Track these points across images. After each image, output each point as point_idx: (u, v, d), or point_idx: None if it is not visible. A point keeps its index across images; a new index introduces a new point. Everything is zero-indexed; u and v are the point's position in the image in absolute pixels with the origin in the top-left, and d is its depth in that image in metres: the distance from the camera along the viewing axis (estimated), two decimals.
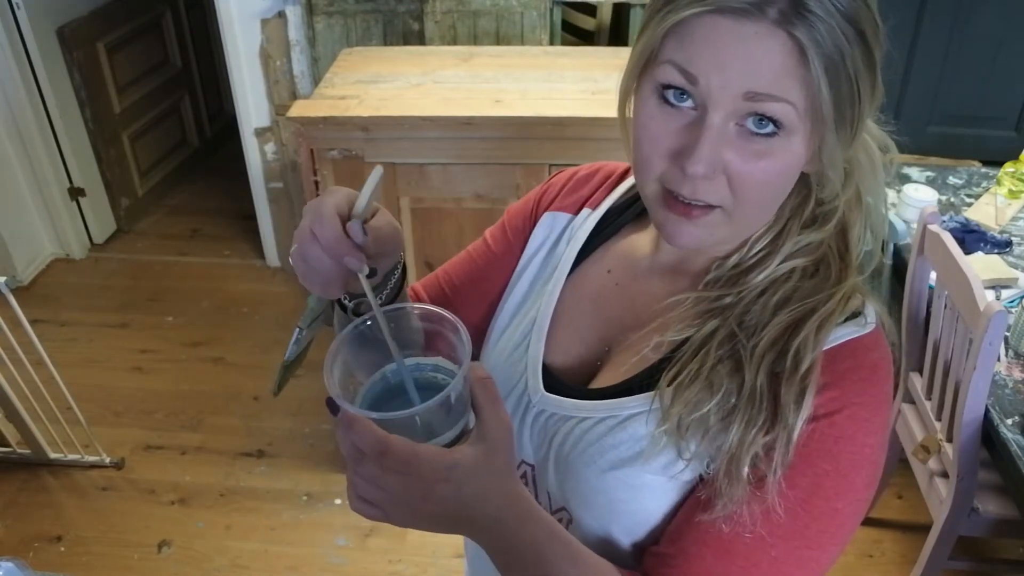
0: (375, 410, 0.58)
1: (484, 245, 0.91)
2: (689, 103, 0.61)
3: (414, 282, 0.95)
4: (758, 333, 0.66)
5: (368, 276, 0.63)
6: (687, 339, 0.69)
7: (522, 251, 0.87)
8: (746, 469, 0.63)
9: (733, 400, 0.65)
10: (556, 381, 0.78)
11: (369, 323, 0.63)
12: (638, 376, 0.71)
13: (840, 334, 0.66)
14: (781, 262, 0.69)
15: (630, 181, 0.84)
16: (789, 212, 0.70)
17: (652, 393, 0.68)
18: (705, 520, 0.65)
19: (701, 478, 0.67)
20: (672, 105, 0.62)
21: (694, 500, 0.67)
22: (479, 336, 0.90)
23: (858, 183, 0.69)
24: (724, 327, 0.68)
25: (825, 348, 0.65)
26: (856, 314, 0.67)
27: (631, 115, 0.67)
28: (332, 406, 0.58)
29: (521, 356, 0.81)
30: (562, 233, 0.85)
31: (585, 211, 0.84)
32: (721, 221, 0.65)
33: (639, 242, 0.81)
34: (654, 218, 0.68)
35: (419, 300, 0.92)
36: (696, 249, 0.72)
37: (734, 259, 0.71)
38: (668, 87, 0.61)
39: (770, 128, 0.60)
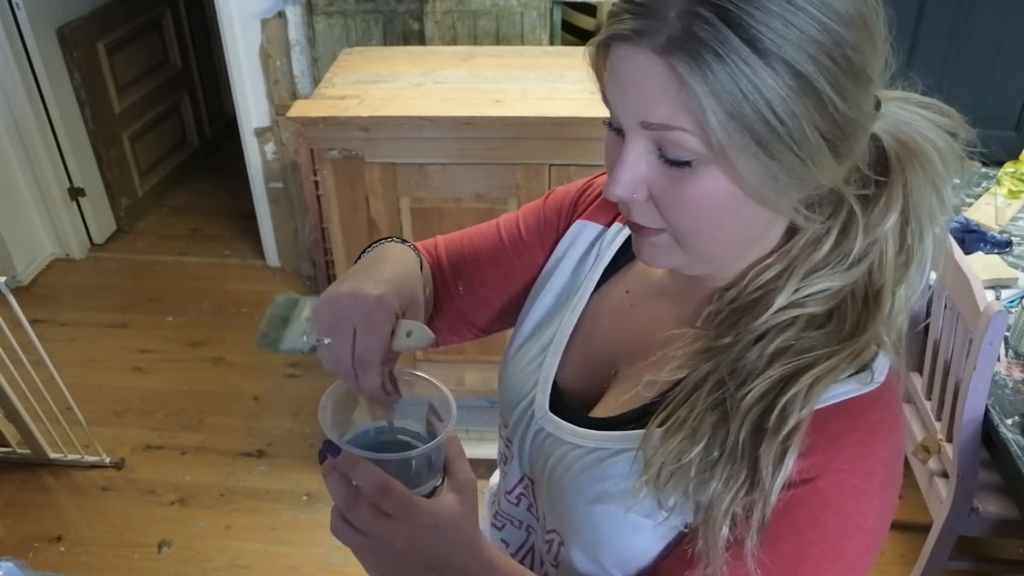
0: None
1: (516, 228, 0.89)
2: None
3: (438, 237, 0.95)
4: (748, 383, 0.61)
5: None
6: (682, 379, 0.65)
7: (552, 249, 0.86)
8: (724, 529, 0.60)
9: (715, 454, 0.61)
10: (562, 401, 0.77)
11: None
12: (632, 412, 0.69)
13: (838, 392, 0.61)
14: (784, 307, 0.63)
15: None
16: (797, 251, 0.64)
17: (641, 432, 0.65)
18: None
19: (688, 527, 0.64)
20: (615, 130, 0.61)
21: (680, 553, 0.64)
22: (491, 311, 0.89)
23: (911, 208, 0.61)
24: (717, 372, 0.63)
25: (819, 407, 0.60)
26: (862, 368, 0.62)
27: None
28: (325, 453, 0.62)
29: (535, 370, 0.80)
30: (592, 245, 0.83)
31: (617, 226, 0.82)
32: (671, 244, 0.63)
33: None
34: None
35: (438, 263, 0.91)
36: (663, 267, 0.70)
37: (732, 293, 0.67)
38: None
39: (679, 155, 0.57)
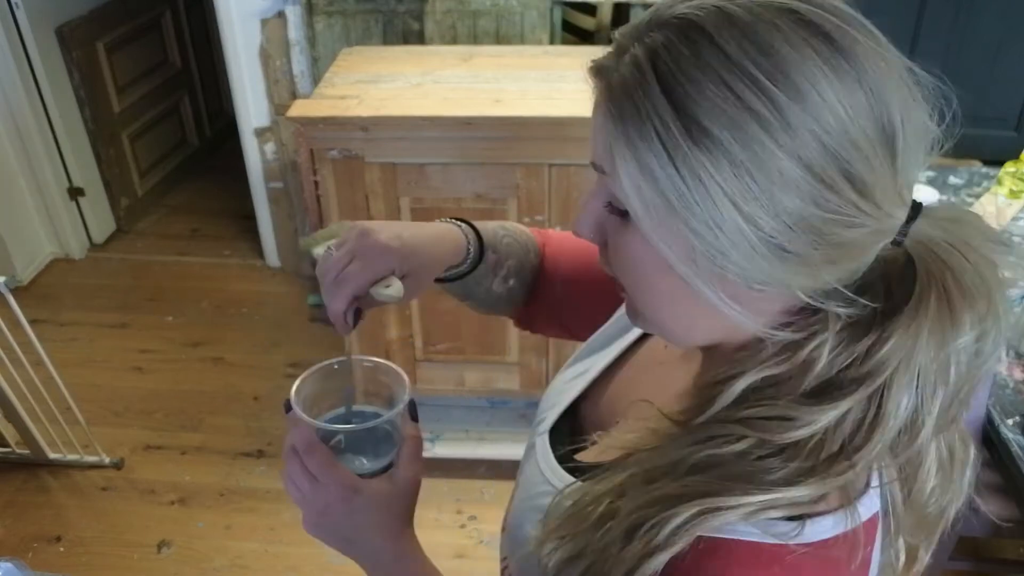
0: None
1: None
2: None
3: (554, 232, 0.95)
4: (654, 484, 0.53)
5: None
6: (626, 451, 0.59)
7: None
8: None
9: (583, 542, 0.54)
10: (567, 429, 0.76)
11: (336, 366, 0.75)
12: (593, 465, 0.63)
13: (737, 528, 0.51)
14: (726, 412, 0.54)
15: None
16: (752, 352, 0.55)
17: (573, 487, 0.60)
18: None
19: None
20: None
21: None
22: (584, 320, 0.87)
23: (918, 331, 0.49)
24: (644, 461, 0.56)
25: (709, 535, 0.50)
26: (798, 516, 0.51)
27: None
28: (287, 407, 0.70)
29: (565, 390, 0.80)
30: None
31: None
32: (631, 306, 0.60)
33: None
34: None
35: (554, 258, 0.91)
36: (641, 328, 0.67)
37: (707, 376, 0.58)
38: None
39: (617, 203, 0.53)
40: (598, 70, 0.53)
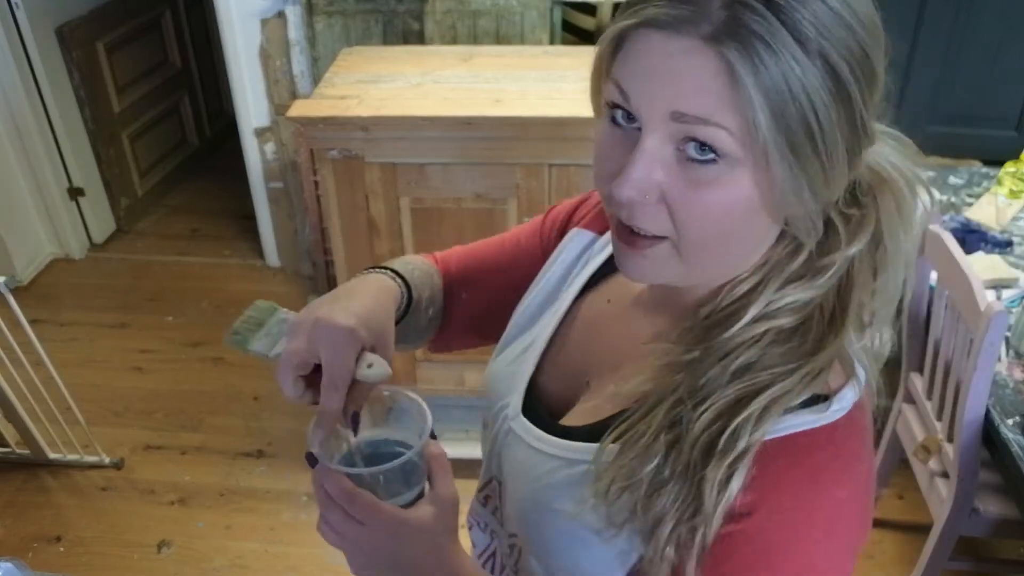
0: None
1: (518, 238, 0.90)
2: (636, 123, 0.57)
3: (450, 252, 0.95)
4: (706, 402, 0.59)
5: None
6: (645, 394, 0.63)
7: (546, 257, 0.86)
8: (670, 550, 0.58)
9: (666, 473, 0.59)
10: (536, 406, 0.76)
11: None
12: (596, 424, 0.68)
13: (790, 423, 0.58)
14: (754, 320, 0.61)
15: None
16: (772, 264, 0.63)
17: (597, 445, 0.64)
18: None
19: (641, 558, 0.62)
20: (619, 125, 0.58)
21: None
22: (494, 318, 0.89)
23: (881, 234, 0.61)
24: (679, 389, 0.61)
25: (769, 438, 0.57)
26: (821, 397, 0.59)
27: None
28: (311, 459, 0.66)
29: (514, 372, 0.80)
30: (582, 252, 0.82)
31: (608, 234, 0.81)
32: (669, 255, 0.60)
33: None
34: (612, 245, 0.64)
35: (448, 271, 0.92)
36: (651, 282, 0.67)
37: (706, 308, 0.64)
38: (614, 106, 0.58)
39: (709, 155, 0.54)
40: (677, 20, 0.52)
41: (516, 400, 0.77)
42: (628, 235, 0.60)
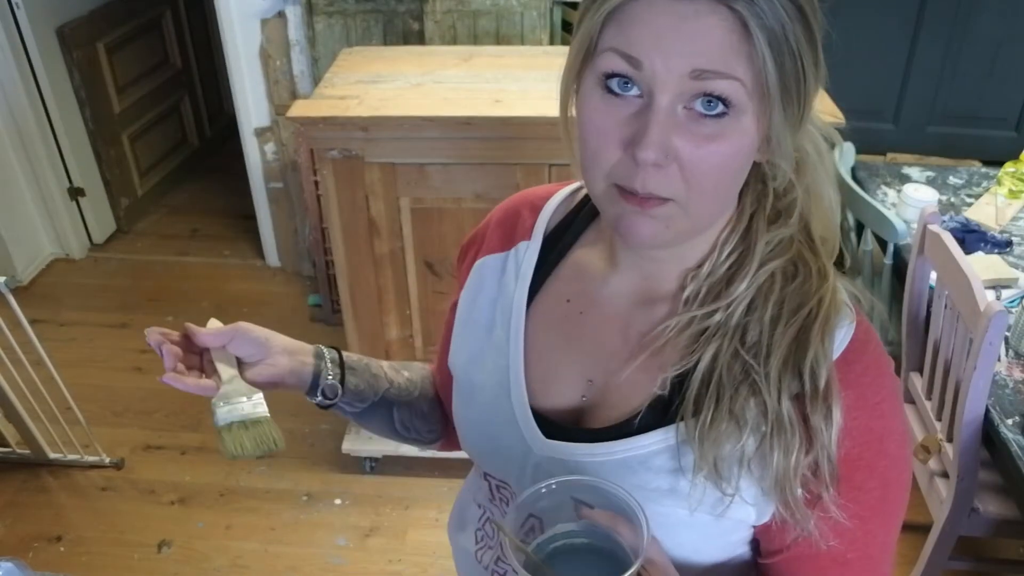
0: (561, 569, 0.63)
1: (454, 306, 0.86)
2: (635, 91, 0.58)
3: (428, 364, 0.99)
4: (766, 355, 0.64)
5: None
6: (693, 368, 0.66)
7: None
8: (800, 491, 0.63)
9: (764, 429, 0.63)
10: (551, 426, 0.73)
11: (553, 487, 0.65)
12: (647, 411, 0.68)
13: (839, 339, 0.65)
14: (760, 266, 0.67)
15: (555, 200, 0.80)
16: (750, 207, 0.68)
17: (672, 427, 0.66)
18: (787, 551, 0.68)
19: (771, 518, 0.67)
20: (617, 95, 0.59)
21: (768, 535, 0.69)
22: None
23: (811, 168, 0.68)
24: (726, 349, 0.65)
25: (835, 356, 0.64)
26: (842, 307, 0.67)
27: (573, 114, 0.65)
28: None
29: (503, 408, 0.75)
30: (501, 273, 0.80)
31: (522, 244, 0.79)
32: (676, 213, 0.61)
33: (589, 262, 0.76)
34: (607, 216, 0.64)
35: (434, 373, 0.95)
36: (655, 246, 0.66)
37: (707, 267, 0.68)
38: (611, 76, 0.59)
39: (719, 108, 0.57)
40: None
41: (530, 432, 0.73)
42: (636, 198, 0.61)
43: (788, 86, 0.58)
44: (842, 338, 0.65)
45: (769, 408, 0.63)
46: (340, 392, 0.85)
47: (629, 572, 0.59)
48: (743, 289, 0.66)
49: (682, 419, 0.65)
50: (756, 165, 0.65)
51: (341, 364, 0.85)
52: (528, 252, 0.79)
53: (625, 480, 0.66)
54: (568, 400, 0.74)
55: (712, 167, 0.60)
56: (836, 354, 0.64)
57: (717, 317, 0.66)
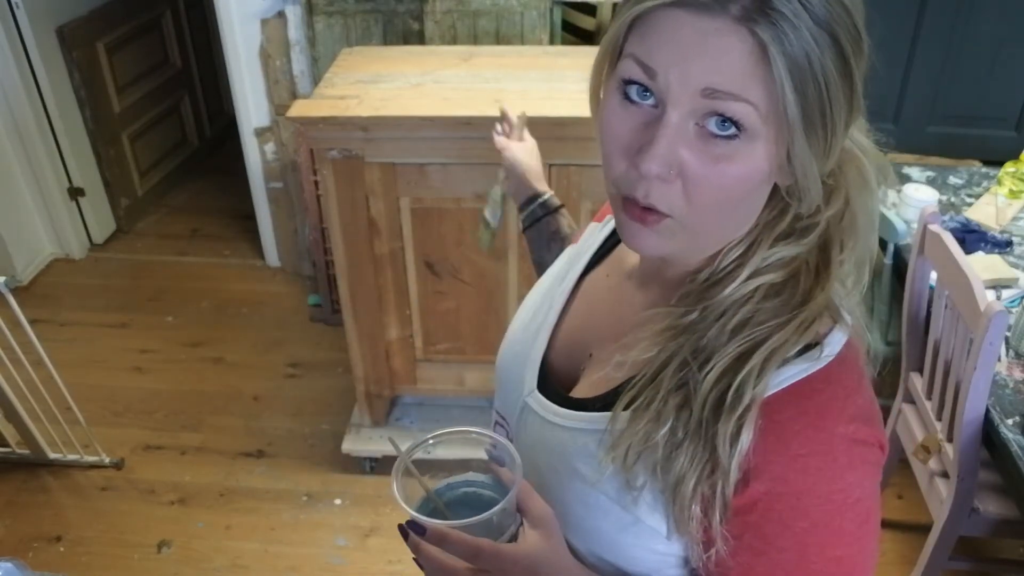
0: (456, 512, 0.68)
1: None
2: (651, 100, 0.59)
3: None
4: (710, 361, 0.62)
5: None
6: (650, 359, 0.66)
7: None
8: (696, 508, 0.61)
9: (680, 434, 0.62)
10: (548, 382, 0.79)
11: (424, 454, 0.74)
12: (604, 394, 0.70)
13: (788, 374, 0.61)
14: (748, 278, 0.65)
15: None
16: (763, 225, 0.66)
17: (609, 414, 0.67)
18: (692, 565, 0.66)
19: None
20: (633, 102, 0.59)
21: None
22: None
23: (850, 199, 0.65)
24: (681, 352, 0.64)
25: (769, 393, 0.61)
26: (813, 346, 0.63)
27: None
28: (408, 530, 0.65)
29: (527, 352, 0.82)
30: (588, 237, 0.88)
31: (608, 216, 0.86)
32: (676, 229, 0.62)
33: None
34: (616, 221, 0.66)
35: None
36: (656, 257, 0.70)
37: (704, 273, 0.67)
38: (630, 83, 0.59)
39: (731, 130, 0.57)
40: (720, 1, 0.55)
41: (531, 376, 0.80)
42: (638, 211, 0.62)
43: (811, 115, 0.56)
44: (791, 375, 0.61)
45: (692, 416, 0.62)
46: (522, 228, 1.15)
47: (492, 510, 0.65)
48: (722, 296, 0.65)
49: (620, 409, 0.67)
50: (777, 188, 0.65)
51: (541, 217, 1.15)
52: (607, 226, 0.86)
53: (563, 450, 0.72)
54: (572, 366, 0.79)
55: (716, 188, 0.59)
56: (777, 388, 0.61)
57: (691, 317, 0.66)
